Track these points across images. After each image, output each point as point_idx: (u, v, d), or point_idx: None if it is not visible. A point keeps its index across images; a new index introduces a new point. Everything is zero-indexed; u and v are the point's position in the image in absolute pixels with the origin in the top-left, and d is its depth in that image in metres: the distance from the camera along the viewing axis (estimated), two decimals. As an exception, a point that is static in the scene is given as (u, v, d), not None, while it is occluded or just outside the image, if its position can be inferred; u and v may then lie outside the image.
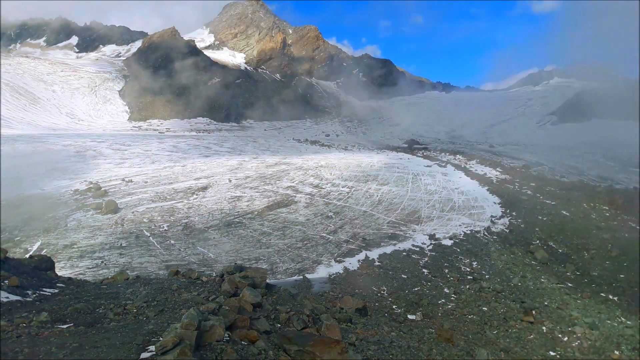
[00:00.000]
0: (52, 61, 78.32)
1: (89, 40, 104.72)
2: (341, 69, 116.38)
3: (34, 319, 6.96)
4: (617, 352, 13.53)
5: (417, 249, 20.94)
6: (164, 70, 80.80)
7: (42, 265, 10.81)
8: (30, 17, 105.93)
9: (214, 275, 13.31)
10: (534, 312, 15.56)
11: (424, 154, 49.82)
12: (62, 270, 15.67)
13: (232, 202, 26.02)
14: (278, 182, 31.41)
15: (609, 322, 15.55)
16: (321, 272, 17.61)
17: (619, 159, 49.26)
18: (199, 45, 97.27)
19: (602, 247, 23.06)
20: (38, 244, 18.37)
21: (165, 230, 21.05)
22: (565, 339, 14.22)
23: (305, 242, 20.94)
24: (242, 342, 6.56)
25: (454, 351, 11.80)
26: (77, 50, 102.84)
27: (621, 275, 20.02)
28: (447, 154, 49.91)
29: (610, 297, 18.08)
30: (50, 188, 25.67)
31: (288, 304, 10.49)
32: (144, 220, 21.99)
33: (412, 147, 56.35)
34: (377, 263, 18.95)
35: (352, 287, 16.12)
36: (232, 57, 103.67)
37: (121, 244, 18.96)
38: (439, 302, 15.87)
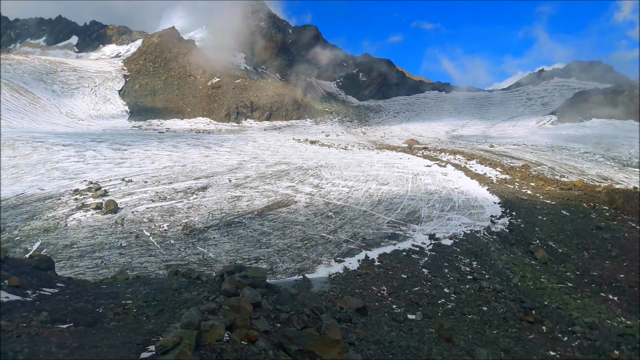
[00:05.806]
0: (52, 61, 78.30)
1: (89, 40, 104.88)
2: (341, 69, 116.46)
3: (34, 319, 6.95)
4: (617, 352, 13.53)
5: (417, 249, 20.93)
6: (163, 70, 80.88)
7: (42, 265, 10.79)
8: (30, 16, 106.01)
9: (214, 275, 13.30)
10: (534, 312, 15.56)
11: (424, 154, 49.81)
12: (62, 270, 15.66)
13: (232, 202, 26.02)
14: (278, 182, 31.42)
15: (609, 322, 15.56)
16: (321, 272, 17.59)
17: (619, 159, 49.34)
18: (199, 45, 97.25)
19: (602, 247, 23.07)
20: (38, 244, 18.38)
21: (165, 230, 21.05)
22: (565, 339, 14.22)
23: (305, 242, 20.93)
24: (242, 342, 6.54)
25: (454, 351, 11.80)
26: (77, 50, 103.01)
27: (621, 275, 20.03)
28: (447, 154, 49.89)
29: (610, 297, 18.10)
30: (50, 188, 25.67)
31: (288, 304, 10.47)
32: (144, 220, 22.00)
33: (411, 147, 56.35)
34: (377, 263, 18.93)
35: (352, 287, 16.11)
36: (232, 56, 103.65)
37: (121, 244, 18.96)
38: (439, 302, 15.86)
